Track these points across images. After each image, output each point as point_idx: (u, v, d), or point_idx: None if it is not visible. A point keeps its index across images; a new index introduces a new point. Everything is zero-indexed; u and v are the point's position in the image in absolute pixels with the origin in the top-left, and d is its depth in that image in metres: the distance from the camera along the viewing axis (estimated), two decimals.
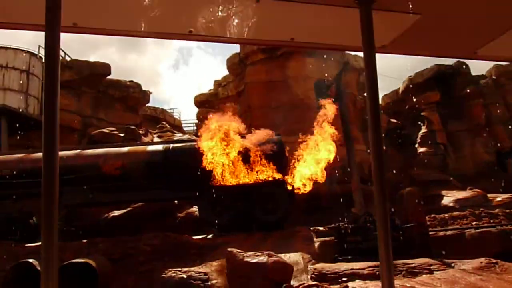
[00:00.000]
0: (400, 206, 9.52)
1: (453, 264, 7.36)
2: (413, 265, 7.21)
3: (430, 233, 9.67)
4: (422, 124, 24.30)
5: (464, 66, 24.37)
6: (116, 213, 14.37)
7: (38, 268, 6.50)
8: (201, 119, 20.47)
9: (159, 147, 11.95)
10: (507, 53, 2.30)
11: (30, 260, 6.87)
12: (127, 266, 7.89)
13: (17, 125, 17.40)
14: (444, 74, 24.22)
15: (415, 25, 1.90)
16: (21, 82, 18.59)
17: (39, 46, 19.70)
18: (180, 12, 1.74)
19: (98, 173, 11.05)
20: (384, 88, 28.60)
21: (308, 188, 10.49)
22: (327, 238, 9.32)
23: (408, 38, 2.02)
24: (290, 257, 7.76)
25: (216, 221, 10.79)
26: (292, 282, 6.67)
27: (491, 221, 11.68)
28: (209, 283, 7.06)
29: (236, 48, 22.21)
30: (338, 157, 10.83)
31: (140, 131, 19.45)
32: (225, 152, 10.73)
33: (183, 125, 31.70)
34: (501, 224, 11.21)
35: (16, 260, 7.27)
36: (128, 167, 11.12)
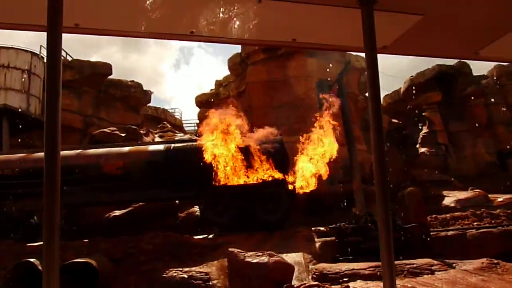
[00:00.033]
0: (401, 206, 9.51)
1: (454, 265, 7.35)
2: (414, 265, 7.20)
3: (432, 233, 9.66)
4: (423, 125, 24.27)
5: (465, 67, 24.34)
6: (117, 212, 14.38)
7: (40, 267, 6.51)
8: (202, 119, 20.48)
9: (160, 147, 11.96)
10: (509, 54, 2.30)
11: (32, 260, 6.88)
12: (128, 266, 7.88)
13: (19, 124, 17.44)
14: (446, 74, 24.20)
15: (417, 26, 1.90)
16: (23, 81, 18.63)
17: (41, 46, 19.77)
18: (182, 13, 1.74)
19: (100, 172, 11.07)
20: (385, 87, 28.53)
21: (311, 187, 10.50)
22: (328, 238, 9.31)
23: (410, 39, 2.02)
24: (291, 257, 7.75)
25: (217, 221, 10.80)
26: (293, 282, 6.66)
27: (493, 221, 11.65)
28: (210, 283, 7.06)
29: (237, 48, 22.23)
30: (339, 157, 10.84)
31: (141, 131, 19.47)
32: (226, 152, 10.74)
33: (184, 125, 31.74)
34: (503, 224, 11.18)
35: (17, 260, 7.29)
36: (129, 167, 11.13)
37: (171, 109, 33.73)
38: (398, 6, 1.77)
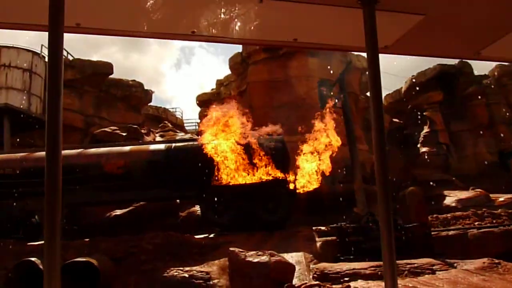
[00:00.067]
0: (402, 206, 9.51)
1: (455, 264, 7.35)
2: (416, 265, 7.20)
3: (433, 233, 9.65)
4: (424, 124, 24.26)
5: (467, 66, 24.32)
6: (118, 212, 14.39)
7: (41, 267, 6.52)
8: (203, 117, 20.49)
9: (161, 146, 11.96)
10: (511, 54, 2.29)
11: (33, 259, 6.89)
12: (129, 265, 7.89)
13: (20, 124, 17.46)
14: (447, 74, 24.17)
15: (418, 26, 1.89)
16: (24, 80, 18.64)
17: (42, 45, 19.79)
18: (183, 13, 1.74)
19: (101, 172, 11.07)
20: (386, 87, 28.54)
21: (315, 185, 10.49)
22: (329, 238, 9.30)
23: (411, 39, 2.01)
24: (292, 256, 7.75)
25: (218, 221, 10.80)
26: (294, 282, 6.66)
27: (494, 221, 11.64)
28: (211, 283, 7.06)
29: (238, 48, 22.22)
30: (340, 156, 10.84)
31: (142, 130, 19.48)
32: (227, 151, 10.73)
33: (185, 125, 31.76)
34: (504, 224, 11.16)
35: (18, 259, 7.29)
36: (130, 166, 11.14)
37: (172, 108, 33.75)
38: (399, 6, 1.77)
